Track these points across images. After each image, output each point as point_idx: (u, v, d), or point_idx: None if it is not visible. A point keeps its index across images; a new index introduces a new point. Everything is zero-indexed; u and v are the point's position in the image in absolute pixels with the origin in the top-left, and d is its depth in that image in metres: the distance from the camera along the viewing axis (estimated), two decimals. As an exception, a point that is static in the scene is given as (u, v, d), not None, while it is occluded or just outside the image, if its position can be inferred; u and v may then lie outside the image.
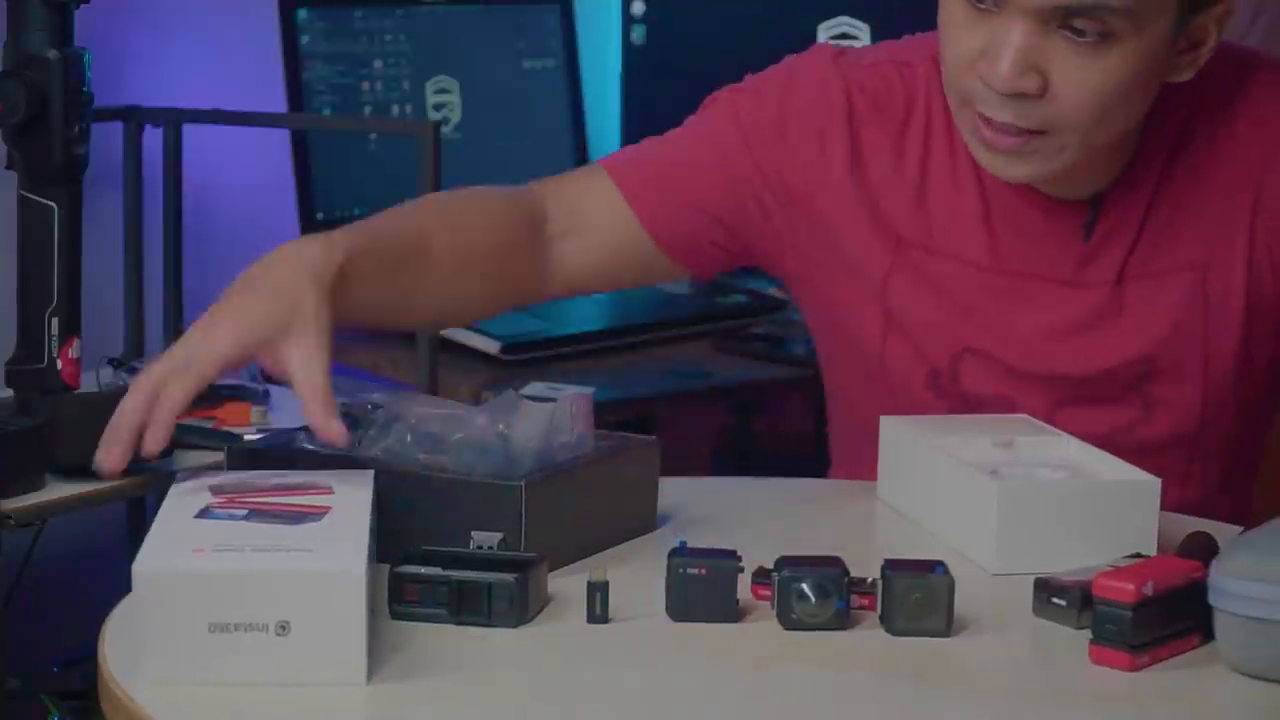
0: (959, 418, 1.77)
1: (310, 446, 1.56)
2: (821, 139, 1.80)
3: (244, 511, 1.38)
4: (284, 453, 1.55)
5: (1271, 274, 1.76)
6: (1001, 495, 1.53)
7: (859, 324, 1.83)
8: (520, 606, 1.39)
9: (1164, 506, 1.55)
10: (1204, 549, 1.52)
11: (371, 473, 1.48)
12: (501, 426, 1.54)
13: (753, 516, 1.67)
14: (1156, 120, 1.74)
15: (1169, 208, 1.76)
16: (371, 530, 1.38)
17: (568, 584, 1.45)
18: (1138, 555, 1.48)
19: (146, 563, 1.28)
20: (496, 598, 1.38)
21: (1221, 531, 1.57)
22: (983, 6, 1.64)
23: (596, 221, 1.83)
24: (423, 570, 1.39)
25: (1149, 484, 1.55)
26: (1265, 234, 1.75)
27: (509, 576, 1.39)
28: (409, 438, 1.55)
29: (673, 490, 1.68)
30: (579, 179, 1.87)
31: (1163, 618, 1.36)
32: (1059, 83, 1.63)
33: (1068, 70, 1.63)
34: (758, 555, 1.45)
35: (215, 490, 1.43)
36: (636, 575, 1.48)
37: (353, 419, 1.58)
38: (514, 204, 1.80)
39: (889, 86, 1.81)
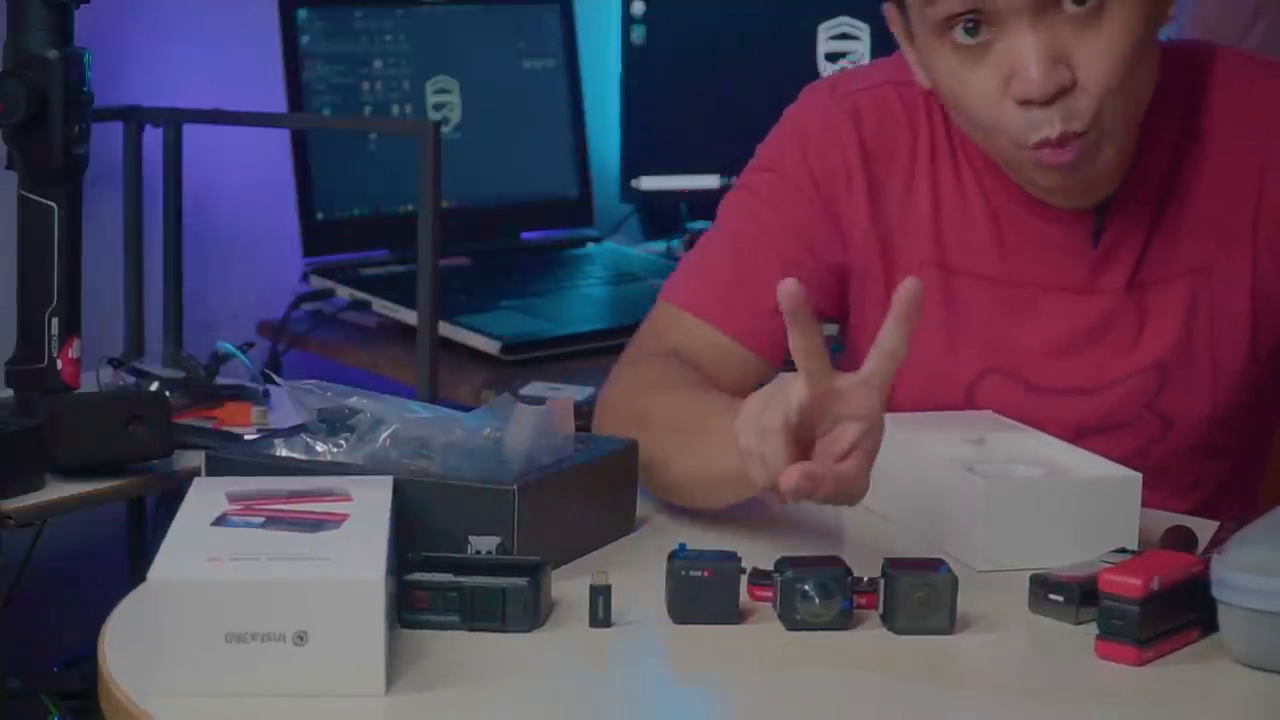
0: (927, 415, 1.76)
1: (290, 454, 1.56)
2: (848, 181, 1.80)
3: (260, 519, 1.37)
4: (264, 460, 1.55)
5: (1276, 277, 1.76)
6: (988, 493, 1.53)
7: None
8: (534, 611, 1.39)
9: (1177, 511, 1.56)
10: (1184, 543, 1.54)
11: (390, 479, 1.46)
12: (488, 430, 1.53)
13: (732, 517, 1.66)
14: (1157, 123, 1.74)
15: (1175, 212, 1.76)
16: (392, 538, 1.38)
17: (561, 587, 1.45)
18: (1123, 550, 1.49)
19: (162, 571, 1.27)
20: (511, 602, 1.38)
21: (1200, 526, 1.58)
22: (978, 40, 1.63)
23: (710, 362, 1.79)
24: (435, 577, 1.39)
25: (1130, 480, 1.56)
26: (1268, 237, 1.75)
27: (522, 581, 1.38)
28: (392, 443, 1.54)
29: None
30: (678, 330, 1.82)
31: (1167, 612, 1.36)
32: (1083, 64, 1.62)
33: (1084, 49, 1.62)
34: (749, 555, 1.44)
35: (232, 497, 1.42)
36: (631, 577, 1.48)
37: (332, 424, 1.58)
38: (691, 377, 1.75)
39: (891, 112, 1.80)
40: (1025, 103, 1.63)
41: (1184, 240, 1.76)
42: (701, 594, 1.41)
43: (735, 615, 1.41)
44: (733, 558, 1.42)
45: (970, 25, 1.63)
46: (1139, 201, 1.76)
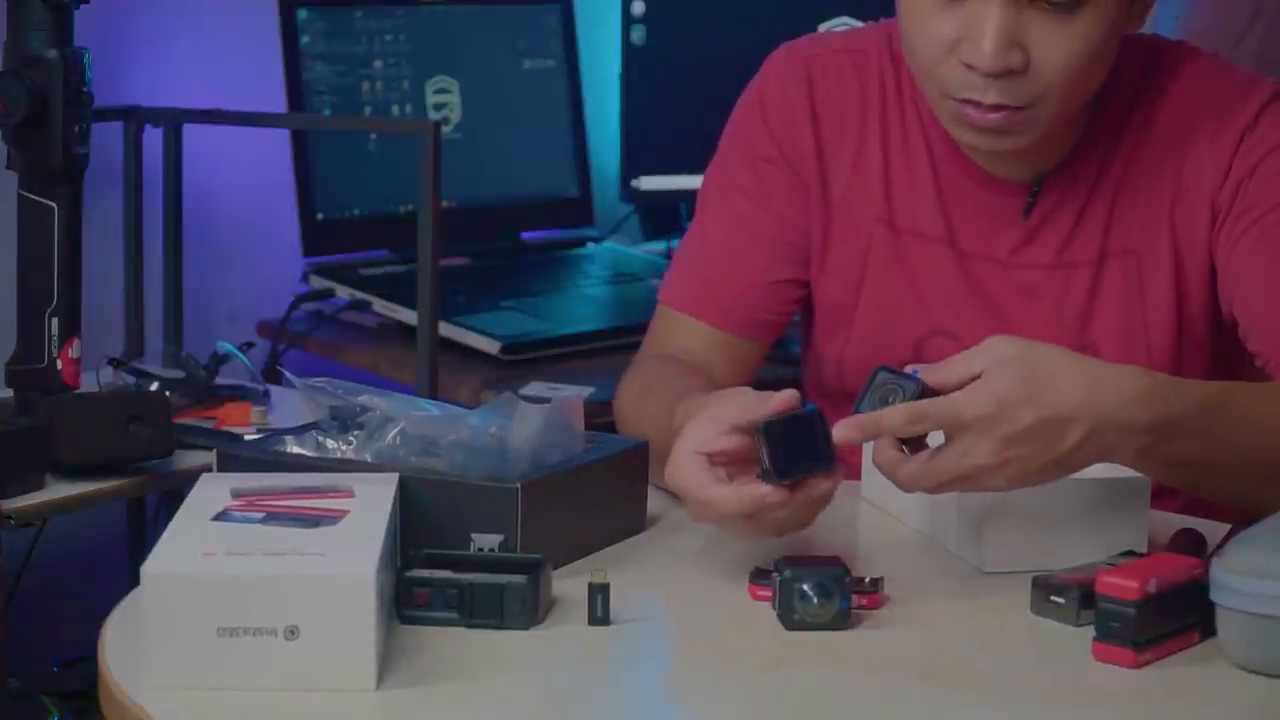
0: None
1: (301, 451, 1.56)
2: (799, 143, 1.84)
3: (261, 515, 1.37)
4: (274, 456, 1.55)
5: (1193, 267, 1.78)
6: (994, 493, 1.53)
7: (826, 330, 1.87)
8: (532, 608, 1.39)
9: None
10: (1192, 546, 1.53)
11: (396, 477, 1.47)
12: (495, 429, 1.53)
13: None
14: (1105, 108, 1.78)
15: (1109, 195, 1.79)
16: (392, 534, 1.37)
17: (563, 586, 1.45)
18: (1130, 553, 1.48)
19: (155, 565, 1.28)
20: (509, 600, 1.38)
21: (1210, 529, 1.59)
22: None
23: (717, 361, 1.84)
24: (435, 574, 1.39)
25: (1139, 482, 1.56)
26: (1184, 225, 1.78)
27: (521, 578, 1.39)
28: (400, 440, 1.55)
29: (661, 490, 1.68)
30: (678, 332, 1.86)
31: (1165, 615, 1.36)
32: (1040, 54, 1.65)
33: (1046, 41, 1.65)
34: (748, 555, 1.44)
35: (236, 493, 1.42)
36: (632, 577, 1.48)
37: (344, 422, 1.58)
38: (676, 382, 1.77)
39: (843, 76, 1.85)
40: (969, 67, 1.66)
41: (1116, 223, 1.79)
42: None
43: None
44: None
45: None
46: (1074, 180, 1.79)
